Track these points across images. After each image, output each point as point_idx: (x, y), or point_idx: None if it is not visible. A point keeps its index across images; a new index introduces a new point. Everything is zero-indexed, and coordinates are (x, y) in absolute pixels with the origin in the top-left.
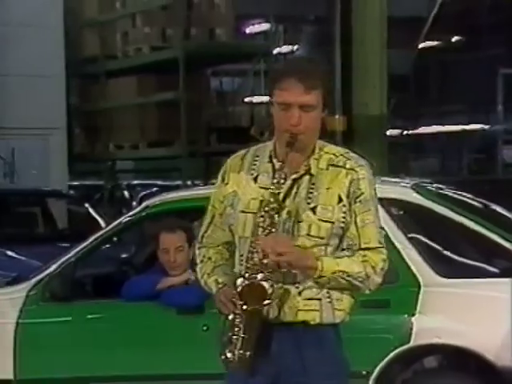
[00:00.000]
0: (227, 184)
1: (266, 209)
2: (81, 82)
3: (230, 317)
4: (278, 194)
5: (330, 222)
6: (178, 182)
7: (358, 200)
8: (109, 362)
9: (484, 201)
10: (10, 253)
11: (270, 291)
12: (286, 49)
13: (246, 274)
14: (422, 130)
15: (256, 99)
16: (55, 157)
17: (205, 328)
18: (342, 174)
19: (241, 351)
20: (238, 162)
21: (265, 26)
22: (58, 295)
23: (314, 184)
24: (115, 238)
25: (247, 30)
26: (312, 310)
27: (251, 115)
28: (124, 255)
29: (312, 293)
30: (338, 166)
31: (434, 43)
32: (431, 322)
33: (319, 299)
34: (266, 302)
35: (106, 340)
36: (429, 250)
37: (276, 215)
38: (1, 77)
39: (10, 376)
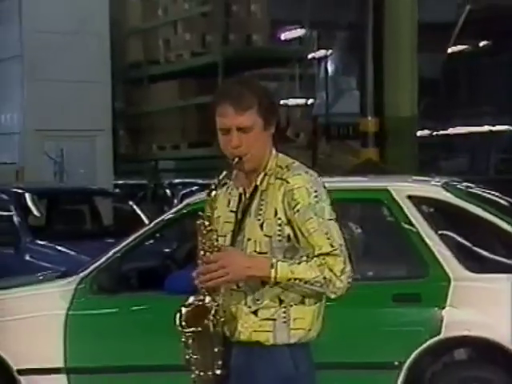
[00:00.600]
0: (216, 208)
1: (204, 232)
2: (125, 86)
3: (183, 339)
4: (236, 216)
5: (268, 236)
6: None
7: (295, 210)
8: (152, 352)
9: (510, 199)
10: (59, 248)
11: (212, 310)
12: (319, 54)
13: (191, 299)
14: (452, 131)
15: (291, 102)
16: (101, 157)
17: None
18: (277, 186)
19: (197, 372)
20: (224, 189)
21: (299, 32)
22: (105, 288)
23: (263, 200)
24: (158, 234)
25: (282, 36)
26: (266, 331)
27: (287, 117)
28: (167, 250)
29: (268, 313)
30: (279, 179)
31: (463, 47)
32: (461, 315)
33: (274, 319)
34: (207, 321)
35: (149, 331)
36: (458, 246)
37: (213, 234)
38: (52, 82)
39: (60, 364)
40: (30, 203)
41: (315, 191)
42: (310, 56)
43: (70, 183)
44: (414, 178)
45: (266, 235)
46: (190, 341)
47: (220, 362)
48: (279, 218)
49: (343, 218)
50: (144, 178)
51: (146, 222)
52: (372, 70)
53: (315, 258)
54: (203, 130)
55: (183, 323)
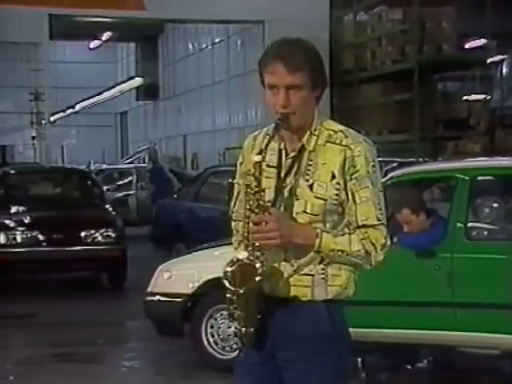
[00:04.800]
0: (241, 164)
1: (250, 191)
2: (340, 87)
3: (228, 295)
4: (279, 172)
5: (323, 199)
6: (412, 160)
7: (353, 177)
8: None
9: None
10: None
11: (259, 270)
12: (496, 58)
13: (238, 256)
14: None
15: (473, 97)
16: None
17: (437, 268)
18: (337, 151)
19: (239, 326)
20: (250, 142)
21: (481, 42)
22: None
23: (311, 160)
24: None
25: (467, 45)
26: (304, 286)
27: (468, 110)
28: None
29: (307, 268)
30: (334, 143)
31: None
32: None
33: (312, 275)
34: (255, 280)
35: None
36: None
37: (261, 195)
38: None
39: None
40: None
41: (373, 160)
42: (488, 61)
43: None
44: None
45: (318, 197)
46: (235, 297)
47: (260, 317)
48: (338, 183)
49: None
50: None
51: None
52: None
53: (358, 231)
54: (401, 120)
55: (231, 281)
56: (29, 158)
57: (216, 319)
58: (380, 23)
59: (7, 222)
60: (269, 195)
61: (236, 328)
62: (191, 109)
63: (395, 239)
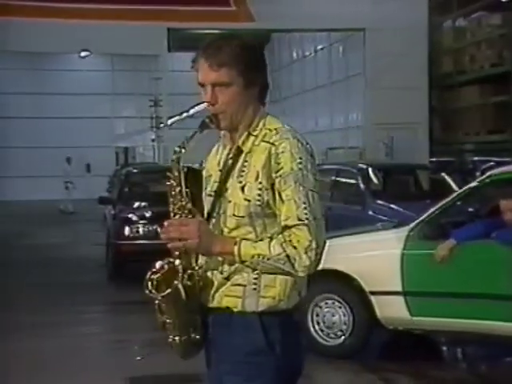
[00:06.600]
0: (203, 168)
1: (173, 193)
2: (439, 90)
3: (156, 302)
4: (221, 176)
5: (247, 200)
6: (507, 159)
7: (277, 175)
8: (462, 282)
9: None
10: (392, 206)
11: (179, 274)
12: None
13: (159, 263)
14: None
15: None
16: (421, 142)
17: None
18: (263, 149)
19: (172, 336)
20: (215, 147)
21: None
22: (428, 235)
23: (246, 161)
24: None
25: None
26: (235, 297)
27: None
28: (470, 210)
29: (240, 278)
30: (266, 142)
31: None
32: None
33: (244, 285)
34: (174, 284)
35: (458, 264)
36: None
37: (183, 197)
38: (384, 89)
39: (399, 288)
40: (371, 175)
41: (300, 158)
42: None
43: (398, 161)
44: None
45: (245, 199)
46: (163, 305)
47: (195, 328)
48: (260, 183)
49: None
50: (452, 156)
51: (456, 188)
52: None
53: (281, 235)
54: (498, 121)
55: (151, 289)
56: (148, 158)
57: (321, 307)
58: (479, 28)
59: (130, 216)
60: (211, 200)
61: (169, 338)
62: (295, 111)
63: (493, 234)
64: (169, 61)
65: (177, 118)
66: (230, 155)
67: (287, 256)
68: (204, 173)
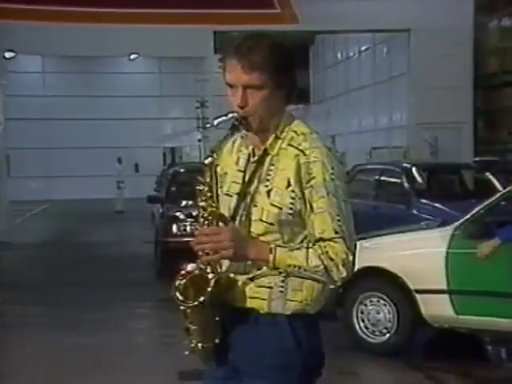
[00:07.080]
0: (216, 165)
1: (203, 198)
2: (483, 91)
3: (181, 308)
4: (244, 178)
5: (278, 207)
6: None
7: (308, 185)
8: (507, 282)
9: None
10: (437, 205)
11: (212, 281)
12: None
13: (187, 268)
14: None
15: None
16: (465, 141)
17: None
18: (292, 156)
19: (195, 342)
20: (229, 144)
21: None
22: (473, 234)
23: (273, 165)
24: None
25: None
26: (261, 299)
27: None
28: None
29: (266, 280)
30: (293, 146)
31: None
32: None
33: (271, 287)
34: (207, 291)
35: (503, 263)
36: None
37: (213, 204)
38: (429, 89)
39: (444, 286)
40: (415, 174)
41: (332, 168)
42: None
43: (442, 160)
44: None
45: (273, 205)
46: (189, 311)
47: (219, 332)
48: (293, 191)
49: None
50: (496, 155)
51: (500, 188)
52: None
53: (317, 245)
54: None
55: (179, 297)
56: (194, 157)
57: (366, 305)
58: None
59: (178, 214)
60: (232, 202)
61: (192, 343)
62: (339, 111)
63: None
64: (215, 63)
65: (222, 118)
66: (256, 157)
67: (325, 268)
68: (218, 170)
